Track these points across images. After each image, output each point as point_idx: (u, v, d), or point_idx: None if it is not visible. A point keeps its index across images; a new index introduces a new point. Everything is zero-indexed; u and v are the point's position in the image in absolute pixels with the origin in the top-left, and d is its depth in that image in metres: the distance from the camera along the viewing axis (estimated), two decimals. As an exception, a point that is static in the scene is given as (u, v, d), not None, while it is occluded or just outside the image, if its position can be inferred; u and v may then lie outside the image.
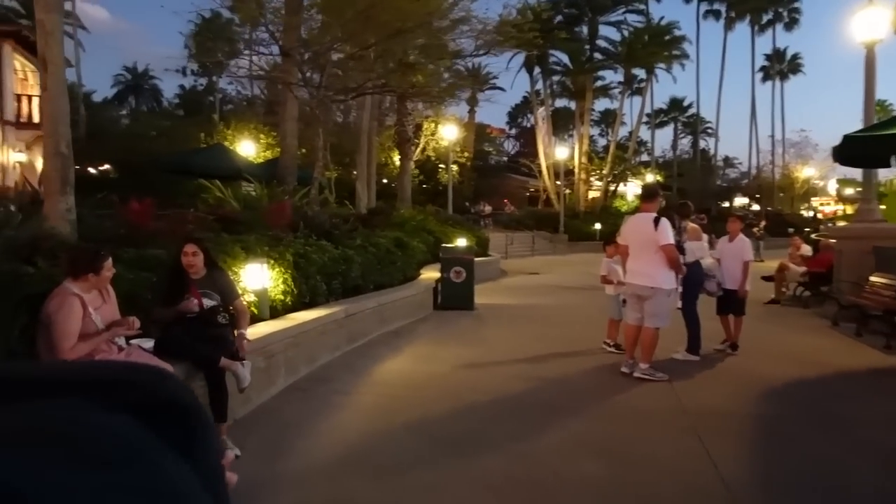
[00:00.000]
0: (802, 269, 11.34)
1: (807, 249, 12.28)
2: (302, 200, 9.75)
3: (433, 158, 32.41)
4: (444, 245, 11.51)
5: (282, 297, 6.45)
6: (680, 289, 6.43)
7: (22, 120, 21.43)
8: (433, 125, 27.68)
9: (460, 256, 10.58)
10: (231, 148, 17.10)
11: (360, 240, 9.04)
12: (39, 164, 23.32)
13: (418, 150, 26.30)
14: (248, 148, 24.16)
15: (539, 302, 11.69)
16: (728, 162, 57.57)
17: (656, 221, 5.93)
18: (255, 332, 5.44)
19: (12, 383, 0.37)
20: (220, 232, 7.49)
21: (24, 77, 23.26)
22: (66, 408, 0.35)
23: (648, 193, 6.49)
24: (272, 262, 6.54)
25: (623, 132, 40.85)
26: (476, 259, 11.64)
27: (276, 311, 6.38)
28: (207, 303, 4.07)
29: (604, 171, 33.61)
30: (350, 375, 6.09)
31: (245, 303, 5.64)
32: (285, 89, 12.96)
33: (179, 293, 4.05)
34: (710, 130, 56.25)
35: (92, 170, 28.69)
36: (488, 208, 32.59)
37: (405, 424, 4.65)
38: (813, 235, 15.82)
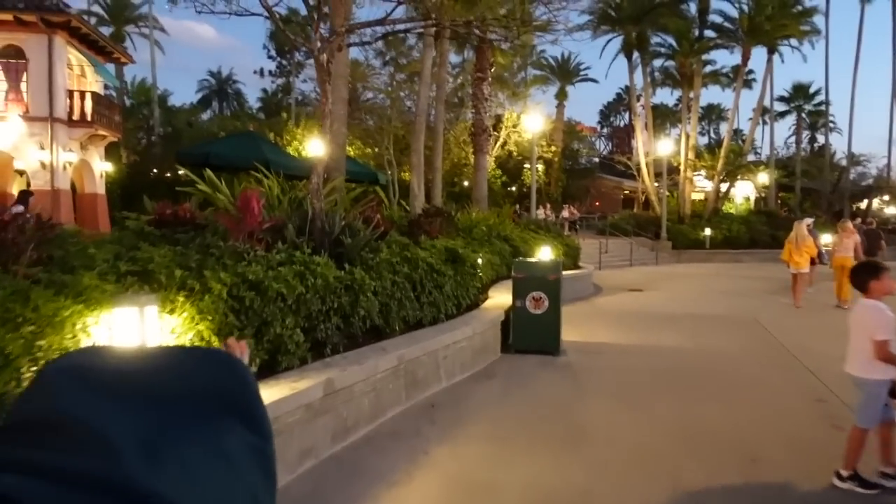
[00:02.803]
0: None
1: None
2: (298, 194, 6.78)
3: (515, 155, 28.85)
4: (517, 259, 8.10)
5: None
6: None
7: (74, 118, 20.16)
8: (514, 115, 24.24)
9: (541, 276, 7.19)
10: (262, 136, 14.47)
11: (386, 252, 5.89)
12: (96, 164, 22.10)
13: (498, 143, 22.92)
14: (317, 146, 22.02)
15: (659, 341, 8.05)
16: (854, 159, 49.99)
17: None
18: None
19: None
20: (161, 241, 4.70)
21: (82, 73, 22.05)
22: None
23: None
24: (182, 298, 3.50)
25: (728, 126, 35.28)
26: (563, 273, 8.20)
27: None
28: None
29: (717, 168, 28.69)
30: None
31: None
32: (329, 67, 10.72)
33: None
34: (831, 125, 49.14)
35: (168, 174, 27.60)
36: (542, 213, 28.22)
37: None
38: None
